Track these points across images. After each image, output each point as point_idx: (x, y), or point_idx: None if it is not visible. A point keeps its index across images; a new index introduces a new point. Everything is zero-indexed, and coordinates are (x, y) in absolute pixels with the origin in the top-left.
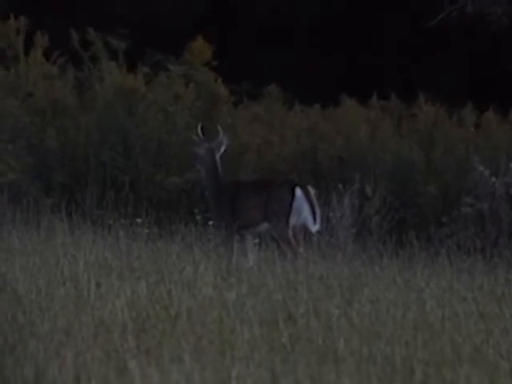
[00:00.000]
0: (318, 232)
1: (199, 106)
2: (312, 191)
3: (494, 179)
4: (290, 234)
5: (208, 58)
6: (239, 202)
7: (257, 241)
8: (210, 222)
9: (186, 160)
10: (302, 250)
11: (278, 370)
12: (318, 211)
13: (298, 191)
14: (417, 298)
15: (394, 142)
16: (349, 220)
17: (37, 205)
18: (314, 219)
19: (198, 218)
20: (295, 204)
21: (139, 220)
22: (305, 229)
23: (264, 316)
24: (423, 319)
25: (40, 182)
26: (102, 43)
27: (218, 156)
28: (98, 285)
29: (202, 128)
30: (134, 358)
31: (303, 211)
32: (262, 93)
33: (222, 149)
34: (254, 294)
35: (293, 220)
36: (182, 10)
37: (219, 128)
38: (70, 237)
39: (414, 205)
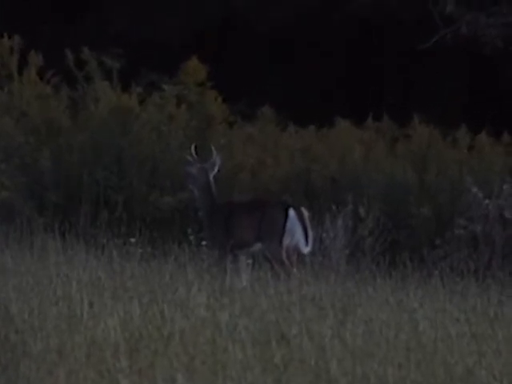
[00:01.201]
0: (311, 253)
1: (193, 125)
2: (305, 213)
3: (487, 201)
4: (284, 254)
5: (202, 78)
6: (233, 223)
7: (250, 261)
8: (204, 242)
9: (180, 180)
10: (295, 270)
11: None
12: (310, 233)
13: (292, 212)
14: (410, 318)
15: (388, 163)
16: (342, 241)
17: (30, 224)
18: (306, 241)
19: (192, 237)
20: (288, 225)
21: (133, 240)
22: (297, 250)
23: (257, 336)
24: (416, 340)
25: (33, 201)
26: (96, 63)
27: (211, 176)
28: (90, 304)
29: (195, 148)
30: (126, 378)
31: (296, 232)
32: (256, 114)
33: (216, 169)
34: (247, 315)
35: (286, 241)
36: (176, 30)
37: (212, 148)
38: (63, 256)
39: (407, 226)
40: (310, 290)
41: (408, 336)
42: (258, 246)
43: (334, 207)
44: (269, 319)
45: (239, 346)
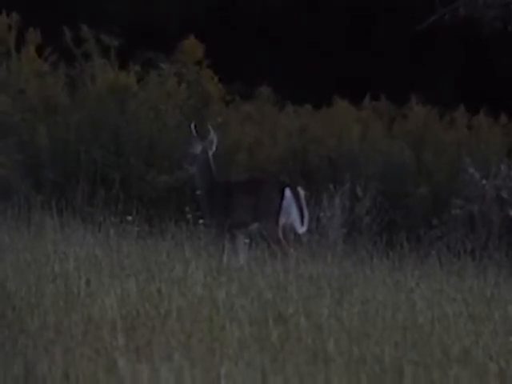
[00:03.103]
0: (309, 232)
1: (190, 104)
2: (302, 192)
3: (484, 181)
4: (280, 233)
5: (199, 56)
6: (231, 201)
7: (247, 240)
8: (201, 221)
9: (177, 158)
10: (292, 250)
11: (268, 370)
12: (306, 213)
13: (288, 192)
14: (406, 298)
15: (385, 143)
16: (339, 220)
17: (27, 201)
18: (302, 221)
19: (189, 216)
20: (284, 204)
21: (130, 218)
22: (293, 229)
23: (254, 315)
24: (413, 320)
25: (30, 178)
26: (94, 40)
27: (210, 154)
28: (87, 282)
29: (195, 126)
30: (123, 356)
31: (292, 212)
32: (254, 93)
33: (214, 147)
34: (244, 294)
35: (282, 220)
36: (174, 8)
37: (209, 126)
38: (60, 234)
39: (404, 206)
40: (307, 270)
41: (405, 316)
42: (255, 226)
43: (331, 186)
44: (266, 298)
45: (236, 325)
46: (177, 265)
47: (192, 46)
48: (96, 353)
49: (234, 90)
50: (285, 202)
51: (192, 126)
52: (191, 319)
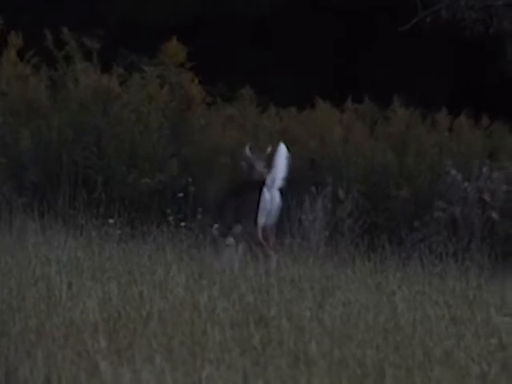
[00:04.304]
0: (290, 235)
1: (172, 107)
2: (277, 193)
3: (466, 184)
4: (260, 235)
5: (182, 59)
6: (224, 204)
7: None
8: (183, 223)
9: (159, 161)
10: (273, 252)
11: (249, 373)
12: (276, 213)
13: (266, 193)
14: (388, 301)
15: (367, 145)
16: (321, 223)
17: (9, 204)
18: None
19: (171, 218)
20: (262, 205)
21: (111, 220)
22: (275, 231)
23: (235, 318)
24: (394, 322)
25: (12, 181)
26: (76, 43)
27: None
28: (69, 285)
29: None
30: (105, 358)
31: (270, 213)
32: (236, 95)
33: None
34: (226, 296)
35: (261, 221)
36: (157, 11)
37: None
38: (41, 236)
39: (386, 208)
40: (289, 272)
41: (386, 318)
42: (238, 227)
43: (313, 189)
44: (247, 301)
45: (218, 328)
46: (158, 268)
47: (174, 49)
48: (78, 355)
49: (216, 92)
50: (262, 203)
51: (247, 149)
52: (173, 322)
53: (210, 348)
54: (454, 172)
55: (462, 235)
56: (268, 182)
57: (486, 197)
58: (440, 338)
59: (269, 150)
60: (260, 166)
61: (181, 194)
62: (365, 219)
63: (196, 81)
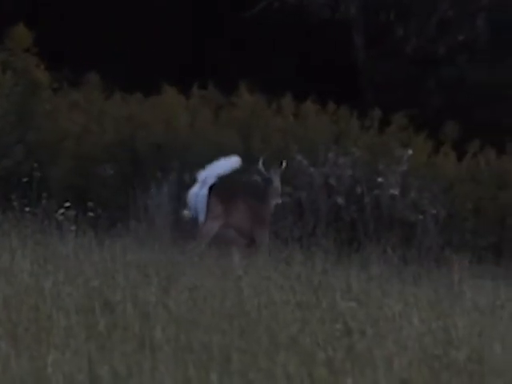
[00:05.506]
0: (136, 219)
1: (18, 92)
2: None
3: (312, 169)
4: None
5: (28, 44)
6: None
7: (73, 228)
8: (27, 209)
9: (3, 147)
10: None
11: (95, 358)
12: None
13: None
14: (234, 286)
15: (213, 130)
16: (167, 208)
17: None
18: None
19: (15, 203)
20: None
21: None
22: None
23: (81, 303)
24: (240, 308)
25: None
26: None
27: None
28: None
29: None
30: None
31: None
32: (82, 80)
33: None
34: (71, 282)
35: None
36: None
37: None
38: None
39: None
40: (135, 257)
41: (232, 303)
42: None
43: (159, 174)
44: (93, 286)
45: (63, 313)
46: (3, 253)
47: (20, 34)
48: None
49: (62, 77)
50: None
51: (260, 163)
52: (17, 308)
53: (55, 333)
54: (299, 157)
55: (308, 220)
56: (200, 179)
57: (332, 182)
58: (286, 323)
59: (284, 165)
60: (277, 182)
61: (26, 179)
62: None
63: (42, 66)
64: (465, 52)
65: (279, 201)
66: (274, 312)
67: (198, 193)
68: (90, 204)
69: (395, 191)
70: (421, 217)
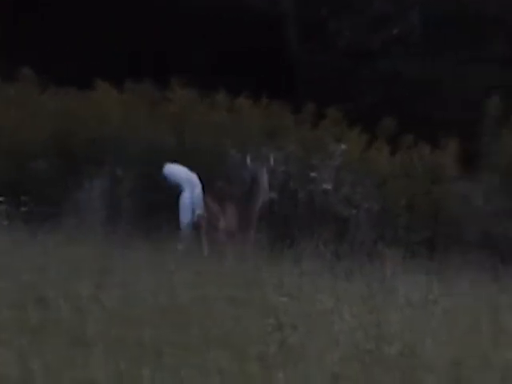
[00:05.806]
0: (67, 214)
1: None
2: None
3: (245, 164)
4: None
5: None
6: None
7: (5, 223)
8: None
9: None
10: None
11: (27, 353)
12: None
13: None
14: (167, 280)
15: (147, 125)
16: (99, 203)
17: None
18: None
19: None
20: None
21: None
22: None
23: (13, 298)
24: (173, 302)
25: None
26: None
27: None
28: None
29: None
30: None
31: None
32: (16, 75)
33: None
34: (3, 276)
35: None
36: None
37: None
38: None
39: (165, 188)
40: (67, 252)
41: (165, 298)
42: None
43: (92, 168)
44: (25, 280)
45: None
46: None
47: None
48: None
49: None
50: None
51: (248, 159)
52: None
53: None
54: (233, 152)
55: None
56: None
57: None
58: (219, 318)
59: (272, 160)
60: (264, 180)
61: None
62: (144, 199)
63: None
64: (399, 45)
65: (266, 198)
66: (207, 307)
67: (191, 196)
68: (24, 198)
69: (328, 186)
70: (354, 211)
